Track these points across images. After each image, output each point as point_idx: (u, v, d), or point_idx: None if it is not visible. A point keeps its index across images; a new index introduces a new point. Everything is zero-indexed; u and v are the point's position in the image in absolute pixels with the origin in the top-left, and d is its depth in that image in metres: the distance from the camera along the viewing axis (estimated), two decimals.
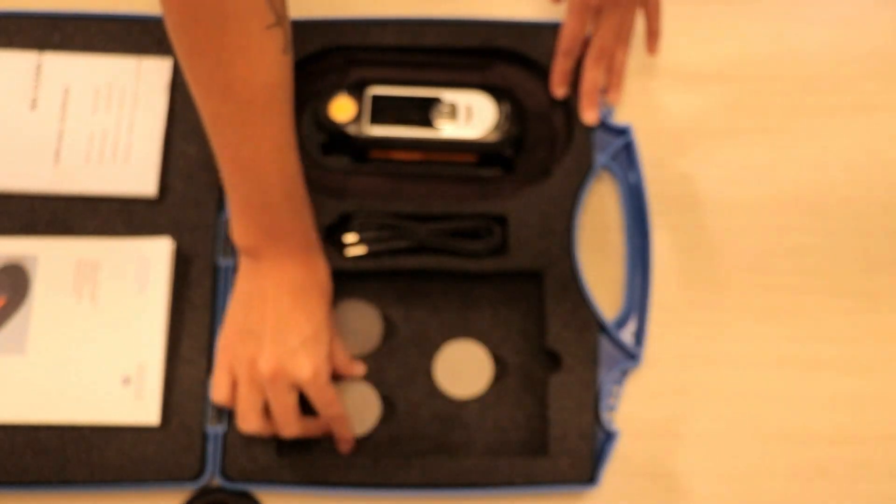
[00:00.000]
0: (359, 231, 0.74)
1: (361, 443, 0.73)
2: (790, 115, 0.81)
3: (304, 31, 0.78)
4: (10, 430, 0.70)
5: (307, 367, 0.67)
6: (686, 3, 0.83)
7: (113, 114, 0.77)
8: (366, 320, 0.75)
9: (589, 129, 0.77)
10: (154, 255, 0.73)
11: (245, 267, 0.70)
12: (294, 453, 0.72)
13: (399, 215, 0.75)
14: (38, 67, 0.78)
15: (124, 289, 0.73)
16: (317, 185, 0.76)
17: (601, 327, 0.73)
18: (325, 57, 0.79)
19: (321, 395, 0.68)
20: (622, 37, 0.78)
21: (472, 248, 0.74)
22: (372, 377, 0.74)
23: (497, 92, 0.76)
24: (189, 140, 0.77)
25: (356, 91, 0.76)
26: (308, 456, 0.72)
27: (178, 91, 0.78)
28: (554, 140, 0.79)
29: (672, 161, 0.79)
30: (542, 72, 0.79)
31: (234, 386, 0.69)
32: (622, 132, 0.78)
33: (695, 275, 0.77)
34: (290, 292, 0.68)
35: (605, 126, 0.78)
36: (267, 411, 0.69)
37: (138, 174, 0.76)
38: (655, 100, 0.81)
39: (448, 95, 0.76)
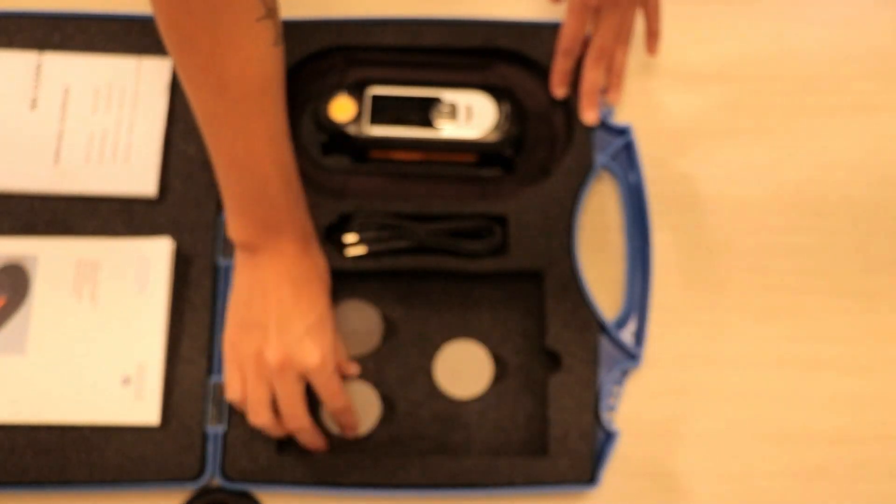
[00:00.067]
0: (359, 231, 0.74)
1: (361, 443, 0.73)
2: (790, 115, 0.81)
3: (304, 31, 0.78)
4: (10, 430, 0.70)
5: (315, 353, 0.67)
6: (686, 3, 0.83)
7: (113, 114, 0.77)
8: (366, 320, 0.75)
9: (589, 129, 0.77)
10: (154, 255, 0.73)
11: (242, 262, 0.70)
12: (294, 453, 0.72)
13: (399, 215, 0.75)
14: (38, 67, 0.78)
15: (124, 289, 0.73)
16: (317, 185, 0.76)
17: (601, 327, 0.73)
18: (325, 57, 0.79)
19: (328, 385, 0.68)
20: (622, 37, 0.78)
21: (472, 248, 0.74)
22: (372, 377, 0.74)
23: (497, 92, 0.76)
24: (189, 140, 0.77)
25: (356, 91, 0.76)
26: (308, 456, 0.72)
27: (178, 91, 0.78)
28: (554, 140, 0.79)
29: (672, 161, 0.79)
30: (542, 72, 0.79)
31: (245, 382, 0.69)
32: (622, 132, 0.78)
33: (695, 275, 0.77)
34: (290, 282, 0.68)
35: (605, 126, 0.78)
36: (275, 408, 0.68)
37: (138, 174, 0.76)
38: (655, 100, 0.81)
39: (448, 95, 0.76)
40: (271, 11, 0.61)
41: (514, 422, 0.74)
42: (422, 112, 0.75)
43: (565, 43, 0.77)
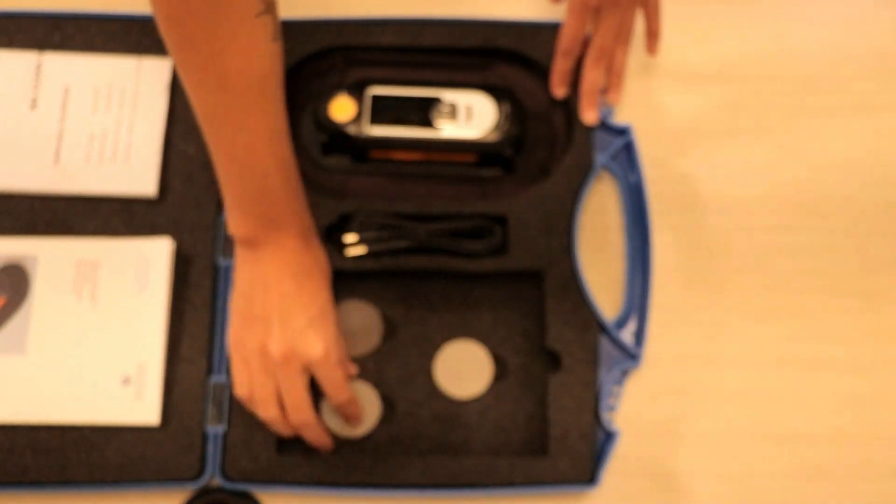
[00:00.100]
0: (359, 231, 0.74)
1: (361, 443, 0.73)
2: (790, 115, 0.81)
3: (304, 31, 0.78)
4: (10, 430, 0.70)
5: (318, 345, 0.67)
6: (686, 3, 0.83)
7: (113, 114, 0.77)
8: (366, 320, 0.75)
9: (589, 129, 0.77)
10: (154, 255, 0.73)
11: (243, 258, 0.70)
12: (294, 453, 0.72)
13: (399, 215, 0.75)
14: (38, 67, 0.78)
15: (124, 289, 0.73)
16: (317, 185, 0.76)
17: (601, 327, 0.73)
18: (325, 57, 0.79)
19: (332, 376, 0.68)
20: (622, 37, 0.78)
21: (472, 248, 0.74)
22: (372, 377, 0.74)
23: (497, 92, 0.76)
24: (189, 140, 0.77)
25: (356, 91, 0.76)
26: (308, 456, 0.72)
27: (178, 91, 0.78)
28: (554, 140, 0.79)
29: (672, 161, 0.79)
30: (542, 72, 0.79)
31: (252, 377, 0.69)
32: (622, 132, 0.78)
33: (695, 275, 0.77)
34: (291, 276, 0.68)
35: (605, 126, 0.78)
36: (281, 404, 0.69)
37: (138, 174, 0.76)
38: (655, 100, 0.81)
39: (448, 95, 0.76)
40: (270, 7, 0.61)
41: (514, 422, 0.74)
42: (422, 112, 0.75)
43: (565, 43, 0.77)
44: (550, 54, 0.78)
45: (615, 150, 0.77)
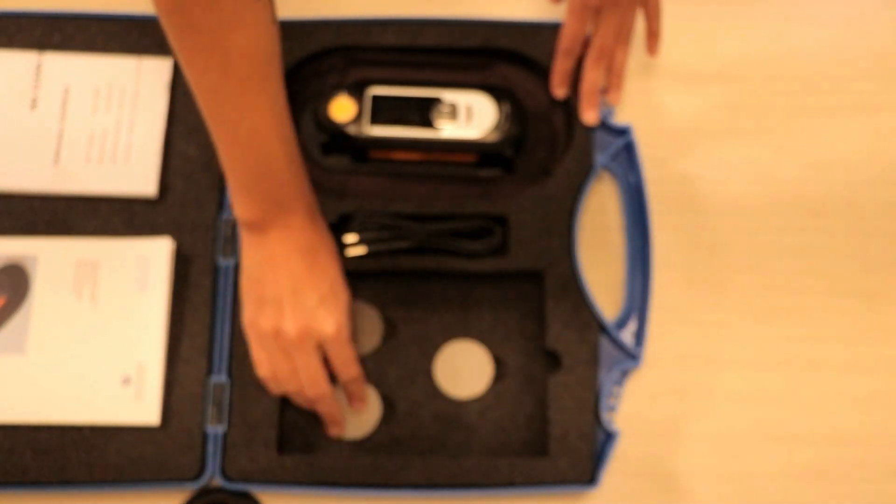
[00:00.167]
0: (359, 231, 0.74)
1: (361, 443, 0.73)
2: (790, 115, 0.81)
3: (304, 31, 0.78)
4: (10, 430, 0.70)
5: (330, 322, 0.68)
6: (686, 3, 0.83)
7: (113, 114, 0.77)
8: (366, 320, 0.75)
9: (589, 130, 0.77)
10: (154, 255, 0.73)
11: (249, 241, 0.70)
12: (294, 453, 0.72)
13: (399, 215, 0.75)
14: (38, 67, 0.78)
15: (124, 289, 0.73)
16: (317, 185, 0.75)
17: (601, 327, 0.73)
18: (325, 57, 0.79)
19: (342, 353, 0.69)
20: (622, 37, 0.78)
21: (472, 248, 0.74)
22: (372, 377, 0.74)
23: (497, 92, 0.76)
24: (189, 140, 0.77)
25: (356, 91, 0.76)
26: (308, 456, 0.72)
27: (178, 91, 0.78)
28: (554, 140, 0.79)
29: (672, 161, 0.79)
30: (542, 72, 0.79)
31: (271, 358, 0.70)
32: (622, 132, 0.78)
33: (695, 275, 0.77)
34: (300, 255, 0.68)
35: (605, 126, 0.78)
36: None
37: (138, 174, 0.76)
38: (655, 100, 0.81)
39: (448, 95, 0.76)
40: None
41: (514, 422, 0.74)
42: (422, 112, 0.75)
43: (565, 43, 0.77)
44: (550, 54, 0.78)
45: (615, 151, 0.77)
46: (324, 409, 0.71)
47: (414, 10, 0.80)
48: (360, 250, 0.74)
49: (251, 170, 0.66)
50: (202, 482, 0.70)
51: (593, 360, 0.72)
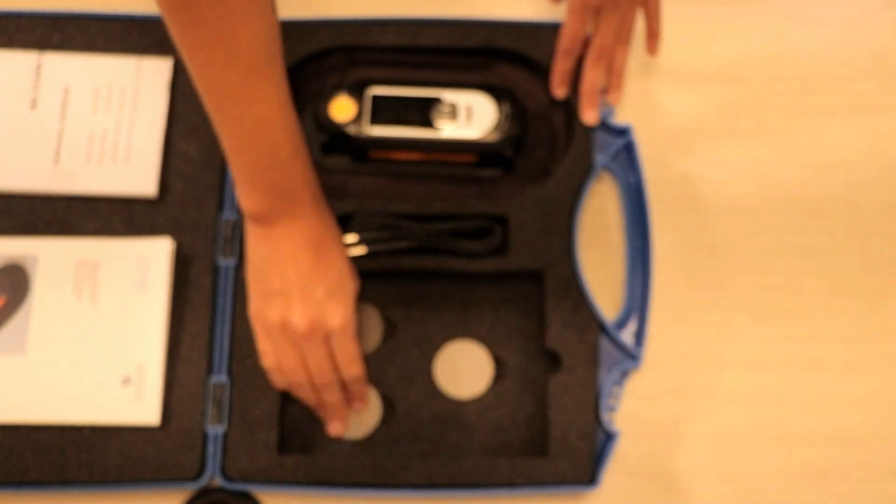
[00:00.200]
0: (359, 231, 0.74)
1: (361, 443, 0.73)
2: (790, 115, 0.81)
3: (304, 31, 0.78)
4: (10, 430, 0.70)
5: (338, 315, 0.68)
6: (686, 3, 0.83)
7: (113, 114, 0.77)
8: (366, 320, 0.75)
9: (589, 130, 0.77)
10: (154, 255, 0.73)
11: (255, 234, 0.69)
12: (294, 453, 0.72)
13: (399, 215, 0.75)
14: (38, 67, 0.78)
15: (124, 289, 0.73)
16: None
17: (601, 328, 0.73)
18: (325, 57, 0.79)
19: (348, 347, 0.70)
20: (622, 37, 0.78)
21: (472, 248, 0.74)
22: (372, 377, 0.74)
23: (497, 92, 0.76)
24: (189, 140, 0.77)
25: (356, 91, 0.76)
26: (308, 456, 0.72)
27: (178, 91, 0.78)
28: (554, 140, 0.79)
29: (672, 161, 0.79)
30: (542, 72, 0.79)
31: (277, 350, 0.70)
32: (622, 132, 0.78)
33: (695, 275, 0.77)
34: (307, 247, 0.68)
35: (605, 126, 0.78)
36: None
37: (138, 174, 0.76)
38: (655, 100, 0.81)
39: (448, 95, 0.76)
40: None
41: (514, 422, 0.74)
42: (422, 112, 0.75)
43: (565, 43, 0.77)
44: (550, 54, 0.78)
45: (615, 151, 0.77)
46: (330, 398, 0.71)
47: (414, 10, 0.80)
48: (360, 250, 0.74)
49: (257, 161, 0.66)
50: (202, 482, 0.70)
51: (593, 361, 0.72)
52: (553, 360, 0.73)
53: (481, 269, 0.74)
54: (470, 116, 0.75)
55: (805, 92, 0.81)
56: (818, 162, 0.80)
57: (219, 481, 0.71)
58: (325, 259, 0.69)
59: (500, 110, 0.75)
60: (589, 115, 0.77)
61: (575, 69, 0.78)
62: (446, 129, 0.75)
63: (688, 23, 0.82)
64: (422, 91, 0.76)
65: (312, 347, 0.69)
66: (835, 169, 0.80)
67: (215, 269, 0.74)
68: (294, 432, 0.73)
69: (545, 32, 0.79)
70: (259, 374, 0.71)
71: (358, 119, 0.75)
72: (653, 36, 0.79)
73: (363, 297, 0.76)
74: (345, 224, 0.75)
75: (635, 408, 0.74)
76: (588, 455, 0.71)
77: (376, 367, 0.75)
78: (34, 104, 0.77)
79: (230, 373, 0.72)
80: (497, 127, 0.75)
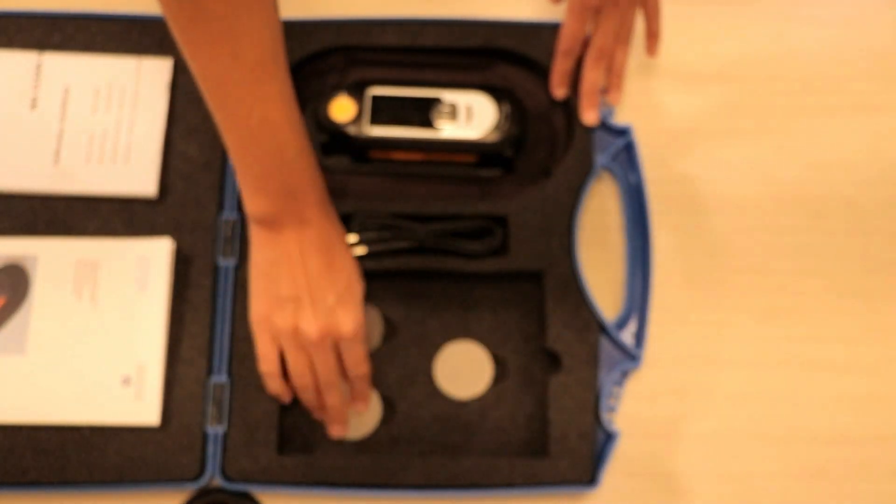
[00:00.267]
0: (359, 231, 0.74)
1: (361, 443, 0.73)
2: (790, 115, 0.81)
3: (304, 31, 0.78)
4: (10, 430, 0.70)
5: (349, 322, 0.68)
6: (686, 3, 0.83)
7: (113, 114, 0.77)
8: (366, 320, 0.75)
9: (589, 130, 0.77)
10: (154, 255, 0.73)
11: (261, 238, 0.69)
12: (294, 453, 0.72)
13: (399, 215, 0.75)
14: (38, 67, 0.78)
15: (124, 289, 0.73)
16: None
17: (601, 328, 0.73)
18: (325, 57, 0.79)
19: (356, 351, 0.70)
20: (622, 37, 0.78)
21: (472, 248, 0.74)
22: (372, 377, 0.74)
23: (497, 92, 0.76)
24: (189, 140, 0.77)
25: (356, 91, 0.76)
26: (308, 456, 0.72)
27: (178, 91, 0.78)
28: (554, 140, 0.79)
29: (672, 161, 0.79)
30: (542, 72, 0.79)
31: (279, 354, 0.70)
32: (622, 132, 0.78)
33: (695, 275, 0.77)
34: (316, 252, 0.68)
35: (605, 126, 0.78)
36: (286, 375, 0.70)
37: (138, 174, 0.76)
38: (655, 100, 0.81)
39: (448, 96, 0.76)
40: None
41: (514, 422, 0.74)
42: (422, 112, 0.75)
43: (565, 43, 0.77)
44: (550, 54, 0.78)
45: (615, 151, 0.77)
46: (332, 400, 0.71)
47: (414, 10, 0.80)
48: (360, 250, 0.74)
49: (263, 162, 0.66)
50: (202, 482, 0.70)
51: (593, 361, 0.72)
52: (553, 361, 0.73)
53: (481, 270, 0.74)
54: (470, 116, 0.75)
55: (805, 92, 0.81)
56: (818, 162, 0.80)
57: (219, 481, 0.71)
58: (333, 263, 0.69)
59: (500, 110, 0.75)
60: (589, 116, 0.77)
61: (575, 69, 0.78)
62: (446, 130, 0.75)
63: (688, 23, 0.82)
64: (422, 91, 0.76)
65: (321, 354, 0.68)
66: (835, 169, 0.80)
67: (215, 270, 0.74)
68: (294, 432, 0.73)
69: (545, 32, 0.79)
70: (259, 374, 0.71)
71: (358, 119, 0.75)
72: (652, 36, 0.79)
73: (364, 298, 0.76)
74: (345, 224, 0.75)
75: (635, 408, 0.74)
76: (588, 455, 0.71)
77: (376, 367, 0.75)
78: (34, 104, 0.77)
79: (230, 373, 0.72)
80: (497, 127, 0.75)
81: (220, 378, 0.72)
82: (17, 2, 0.80)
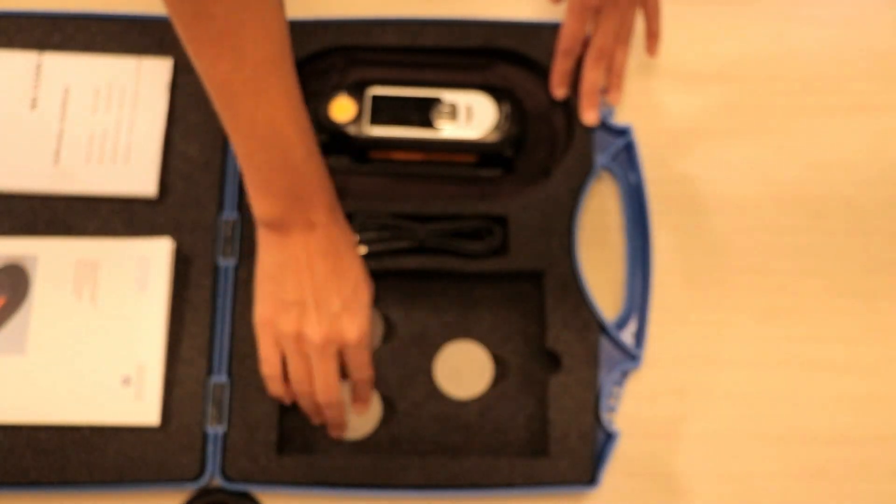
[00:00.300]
0: (359, 231, 0.74)
1: (361, 443, 0.73)
2: (790, 115, 0.81)
3: (304, 31, 0.78)
4: (10, 430, 0.70)
5: (354, 329, 0.68)
6: (686, 3, 0.83)
7: (113, 114, 0.77)
8: None
9: (589, 130, 0.77)
10: (154, 255, 0.73)
11: (269, 241, 0.69)
12: (294, 454, 0.72)
13: (399, 215, 0.75)
14: (38, 67, 0.78)
15: (124, 289, 0.73)
16: None
17: (601, 328, 0.73)
18: (325, 57, 0.79)
19: (360, 357, 0.70)
20: (622, 37, 0.78)
21: (472, 248, 0.74)
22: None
23: (497, 92, 0.76)
24: (189, 140, 0.77)
25: (356, 91, 0.76)
26: (308, 456, 0.72)
27: (178, 91, 0.78)
28: (554, 140, 0.79)
29: (672, 161, 0.79)
30: (542, 72, 0.79)
31: (282, 357, 0.69)
32: (622, 132, 0.78)
33: (695, 275, 0.77)
34: (323, 257, 0.68)
35: (605, 126, 0.78)
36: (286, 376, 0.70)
37: (138, 174, 0.76)
38: (655, 100, 0.81)
39: (448, 96, 0.76)
40: None
41: (514, 422, 0.74)
42: (422, 112, 0.75)
43: (565, 43, 0.77)
44: (550, 54, 0.78)
45: (615, 151, 0.77)
46: (330, 415, 0.71)
47: (414, 10, 0.80)
48: (360, 250, 0.74)
49: (270, 164, 0.65)
50: (202, 482, 0.70)
51: (593, 361, 0.72)
52: (553, 361, 0.73)
53: (481, 269, 0.74)
54: (470, 116, 0.75)
55: (805, 92, 0.81)
56: (818, 162, 0.80)
57: (219, 481, 0.71)
58: (340, 268, 0.68)
59: (500, 110, 0.75)
60: (589, 116, 0.77)
61: (575, 69, 0.78)
62: (446, 130, 0.75)
63: (688, 23, 0.83)
64: (422, 91, 0.76)
65: (323, 360, 0.68)
66: (835, 169, 0.80)
67: (215, 270, 0.74)
68: (294, 432, 0.73)
69: (545, 32, 0.79)
70: (259, 374, 0.71)
71: (358, 119, 0.75)
72: (652, 36, 0.79)
73: None
74: None
75: (635, 408, 0.74)
76: (588, 455, 0.71)
77: (376, 368, 0.75)
78: (34, 104, 0.77)
79: (230, 373, 0.72)
80: (497, 127, 0.75)
81: (220, 378, 0.72)
82: (17, 2, 0.80)
